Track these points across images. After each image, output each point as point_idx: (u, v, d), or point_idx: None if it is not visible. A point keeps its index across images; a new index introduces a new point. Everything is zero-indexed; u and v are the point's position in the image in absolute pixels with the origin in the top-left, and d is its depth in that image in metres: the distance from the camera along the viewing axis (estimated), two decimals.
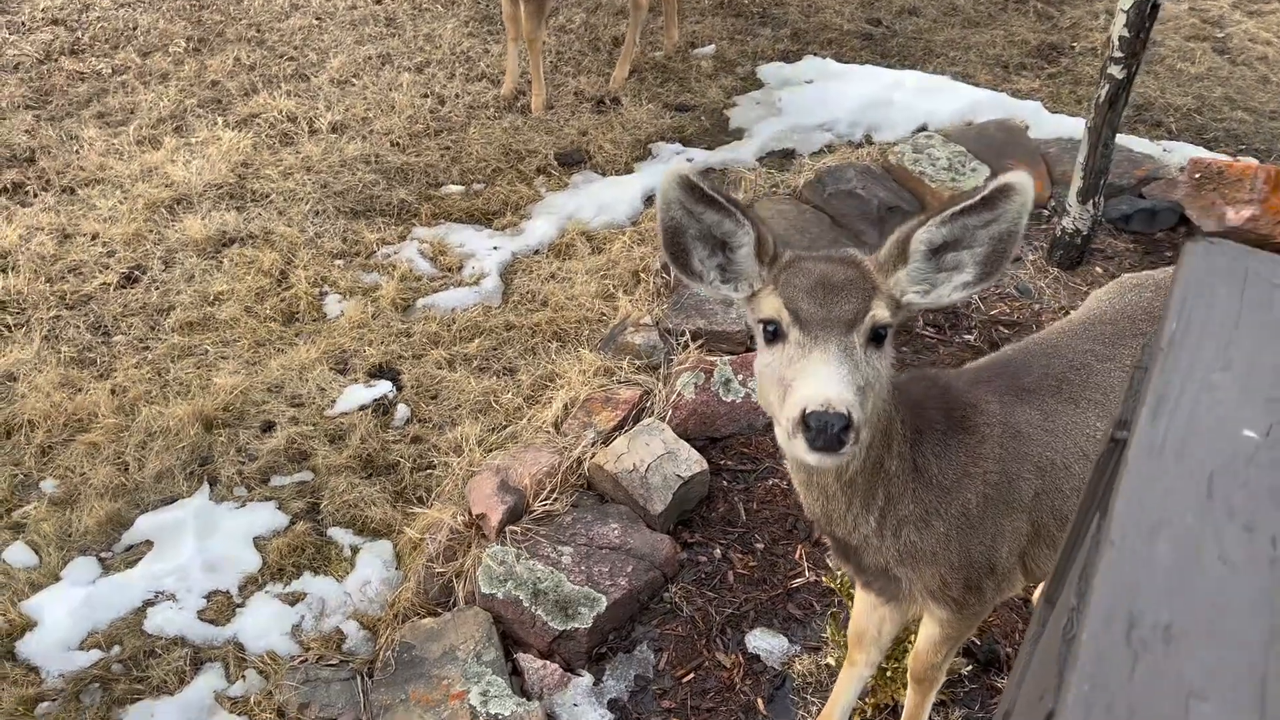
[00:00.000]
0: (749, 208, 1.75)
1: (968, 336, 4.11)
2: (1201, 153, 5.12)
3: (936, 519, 1.92)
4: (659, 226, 1.74)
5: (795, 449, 1.59)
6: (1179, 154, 5.11)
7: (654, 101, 5.69)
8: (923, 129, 5.32)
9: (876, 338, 1.68)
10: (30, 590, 2.97)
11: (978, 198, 1.62)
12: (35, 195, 4.60)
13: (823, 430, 1.51)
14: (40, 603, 2.93)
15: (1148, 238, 4.64)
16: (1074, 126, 5.02)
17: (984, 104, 5.45)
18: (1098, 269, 4.42)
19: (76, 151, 4.87)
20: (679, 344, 3.82)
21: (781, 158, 5.27)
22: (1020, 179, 1.62)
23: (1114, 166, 4.77)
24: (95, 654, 2.82)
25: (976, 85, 5.75)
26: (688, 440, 3.41)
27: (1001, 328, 4.13)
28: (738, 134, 5.47)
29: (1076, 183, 4.21)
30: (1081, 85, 5.84)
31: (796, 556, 3.20)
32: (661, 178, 1.71)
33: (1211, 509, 0.76)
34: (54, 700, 2.70)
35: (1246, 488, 0.78)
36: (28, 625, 2.88)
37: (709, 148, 5.34)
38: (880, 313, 1.66)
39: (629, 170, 5.14)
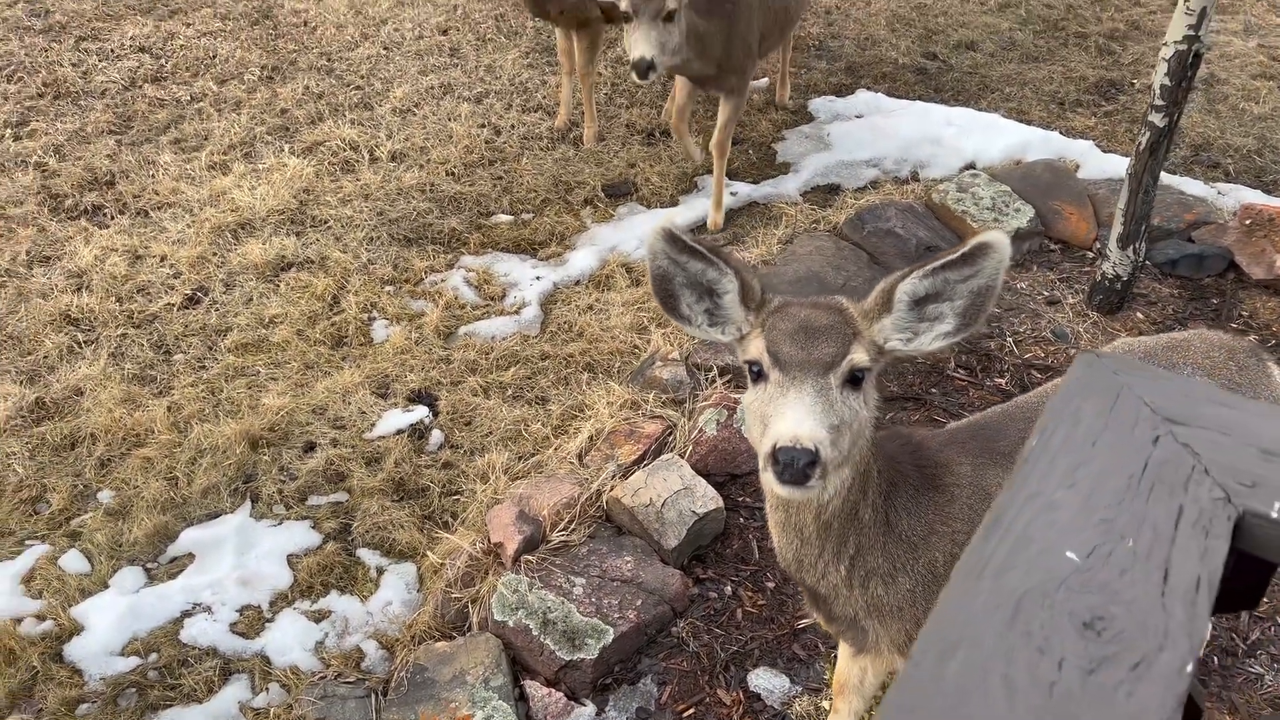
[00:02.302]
0: (731, 256, 1.87)
1: (999, 380, 4.10)
2: (1257, 196, 5.02)
3: (903, 575, 1.97)
4: (649, 274, 1.88)
5: (768, 481, 1.72)
6: (1233, 197, 5.01)
7: (703, 134, 5.78)
8: (970, 167, 5.32)
9: (854, 380, 1.77)
10: (80, 596, 3.20)
11: (957, 254, 1.70)
12: (112, 218, 4.90)
13: (790, 464, 1.63)
14: (88, 609, 3.14)
15: (1194, 283, 4.56)
16: (1125, 167, 4.96)
17: (1034, 143, 5.42)
18: (1139, 314, 4.37)
19: (152, 176, 5.17)
20: (706, 379, 3.91)
21: (826, 192, 5.31)
22: (997, 238, 1.68)
23: (1163, 209, 4.72)
24: (134, 660, 3.02)
25: (1029, 123, 5.71)
26: (707, 476, 3.49)
27: (1035, 372, 4.12)
28: (784, 168, 5.53)
29: (1117, 228, 4.18)
30: (1139, 123, 5.75)
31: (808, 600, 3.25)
32: (649, 230, 1.85)
33: (1011, 631, 0.83)
34: (93, 703, 2.90)
35: (1051, 610, 0.84)
36: (75, 630, 3.10)
37: (754, 181, 5.41)
38: (859, 357, 1.76)
39: (674, 203, 5.25)
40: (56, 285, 4.44)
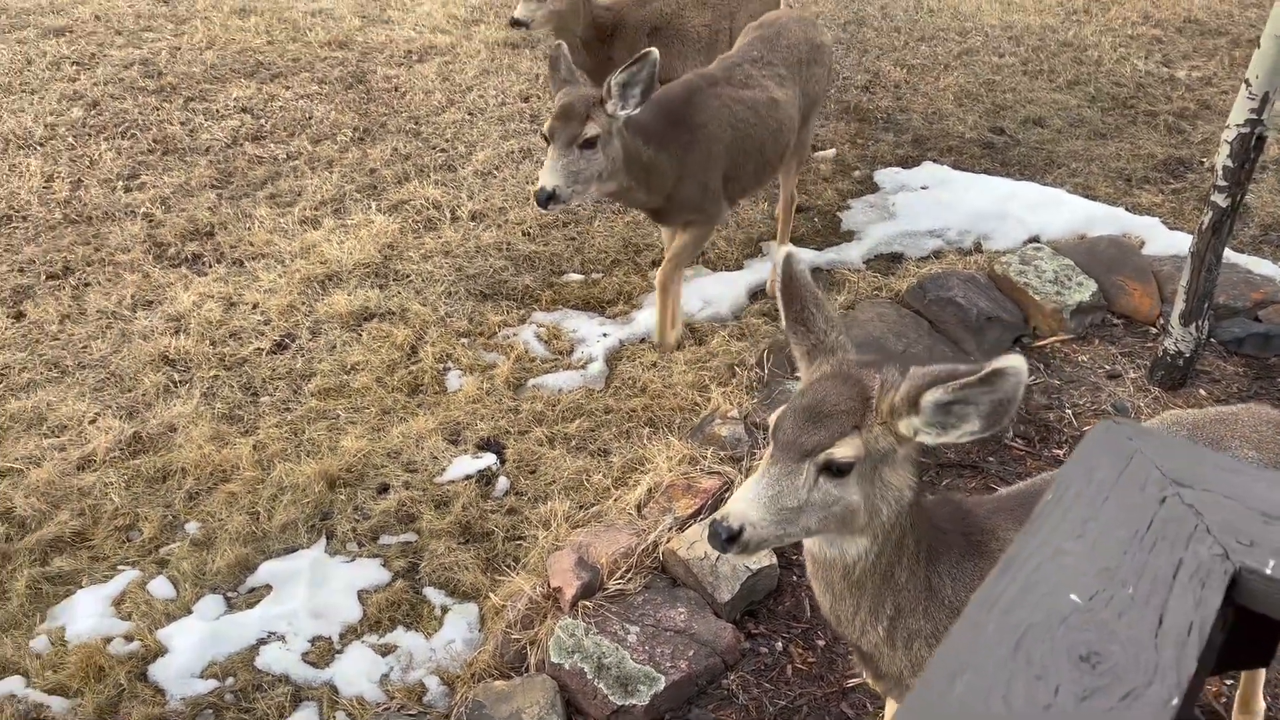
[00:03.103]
0: (824, 304, 2.07)
1: (1057, 451, 4.13)
2: None
3: None
4: (779, 283, 2.08)
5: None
6: None
7: (770, 201, 5.95)
8: (1034, 240, 5.39)
9: (836, 470, 1.88)
10: (166, 620, 3.40)
11: (976, 377, 1.79)
12: (210, 266, 5.23)
13: (715, 535, 1.90)
14: (172, 632, 3.34)
15: (1260, 362, 4.55)
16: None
17: (1099, 218, 5.48)
18: (1202, 391, 4.37)
19: (248, 228, 5.51)
20: (764, 438, 4.01)
21: (889, 261, 5.43)
22: (1014, 363, 1.76)
23: (1229, 287, 4.73)
24: (212, 683, 3.20)
25: (1095, 199, 5.77)
26: None
27: None
28: (848, 235, 5.66)
29: (1179, 304, 4.21)
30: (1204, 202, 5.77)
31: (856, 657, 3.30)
32: (779, 253, 2.11)
33: (1014, 659, 0.93)
34: None
35: (1051, 643, 0.95)
36: (160, 651, 3.29)
37: (819, 248, 5.55)
38: (840, 452, 1.87)
39: (739, 267, 5.41)
40: (156, 328, 4.75)
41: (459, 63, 7.55)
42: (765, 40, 4.63)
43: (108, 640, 3.32)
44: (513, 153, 6.36)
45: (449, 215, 5.73)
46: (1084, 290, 4.83)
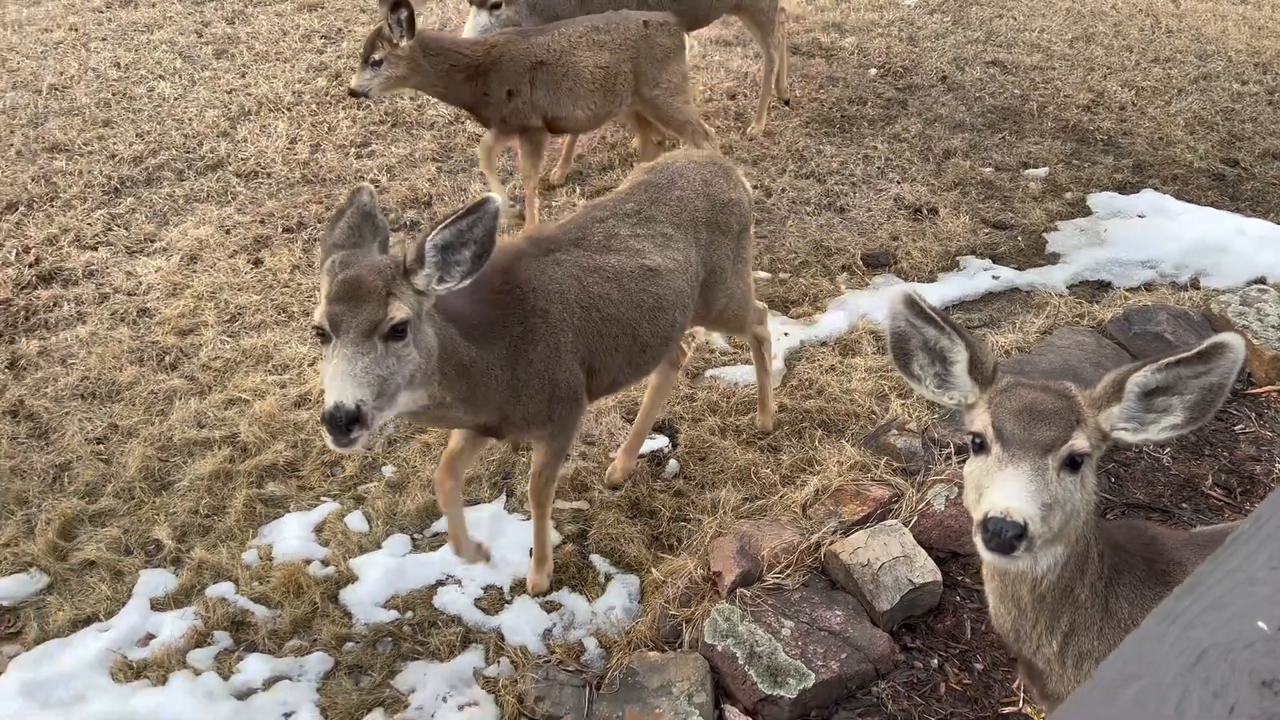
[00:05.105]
0: (965, 330, 2.03)
1: (1260, 505, 3.86)
2: None
3: None
4: (888, 331, 2.09)
5: (977, 545, 1.86)
6: None
7: (972, 215, 5.81)
8: (1259, 281, 5.03)
9: (1072, 464, 1.89)
10: (358, 551, 3.70)
11: (1193, 351, 1.79)
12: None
13: (997, 534, 1.78)
14: (363, 563, 3.64)
15: None
16: None
17: None
18: None
19: (461, 201, 5.87)
20: (940, 455, 3.96)
21: (1094, 288, 5.20)
22: (1233, 339, 1.75)
23: None
24: (394, 614, 3.47)
25: None
26: (929, 549, 3.54)
27: None
28: (1052, 258, 5.46)
29: None
30: None
31: (1015, 686, 3.22)
32: (891, 292, 2.08)
33: (1192, 674, 0.94)
34: (357, 643, 3.36)
35: (1232, 665, 0.95)
36: (351, 579, 3.60)
37: (1019, 268, 5.38)
38: (1079, 443, 1.87)
39: (932, 279, 5.31)
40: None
41: None
42: (650, 188, 3.49)
43: (307, 562, 3.66)
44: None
45: None
46: None
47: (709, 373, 4.65)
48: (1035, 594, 2.00)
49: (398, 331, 2.50)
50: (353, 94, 5.01)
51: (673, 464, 4.14)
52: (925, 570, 3.42)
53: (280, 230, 5.58)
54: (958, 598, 3.51)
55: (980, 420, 1.97)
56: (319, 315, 2.52)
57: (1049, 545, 1.93)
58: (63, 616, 3.42)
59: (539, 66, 5.08)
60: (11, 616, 3.47)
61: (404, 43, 4.83)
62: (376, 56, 4.86)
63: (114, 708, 3.09)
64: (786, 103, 6.90)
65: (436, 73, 4.98)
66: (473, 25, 5.37)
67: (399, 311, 2.49)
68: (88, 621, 3.43)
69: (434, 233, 2.55)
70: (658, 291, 3.30)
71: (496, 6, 5.32)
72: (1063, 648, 2.02)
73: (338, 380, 2.42)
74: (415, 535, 3.80)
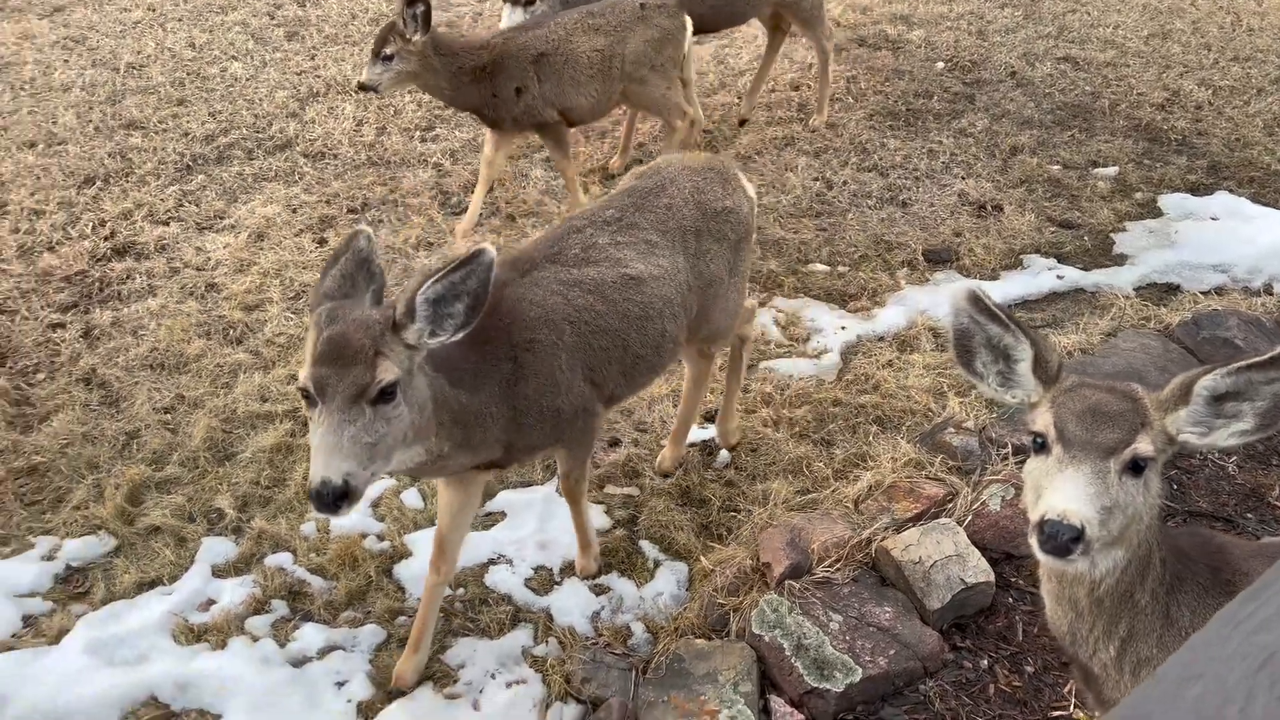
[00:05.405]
0: (1029, 328, 2.00)
1: None
2: None
3: None
4: (950, 327, 2.07)
5: (1032, 546, 1.84)
6: None
7: (1038, 213, 5.71)
8: None
9: (1135, 468, 1.85)
10: (413, 528, 3.77)
11: (1267, 356, 1.74)
12: (485, 218, 5.67)
13: (1053, 536, 1.76)
14: (417, 539, 3.70)
15: None
16: None
17: None
18: None
19: (523, 187, 5.92)
20: (998, 455, 3.90)
21: (1163, 291, 5.08)
22: None
23: None
24: (445, 590, 3.53)
25: None
26: (983, 550, 3.50)
27: None
28: (1120, 259, 5.34)
29: None
30: None
31: (1066, 690, 3.18)
32: (955, 288, 2.06)
33: (1257, 678, 0.93)
34: (409, 617, 3.42)
35: None
36: (405, 554, 3.66)
37: (1085, 268, 5.28)
38: (1143, 446, 1.84)
39: (994, 277, 5.23)
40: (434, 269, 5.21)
41: (735, 46, 7.69)
42: (636, 194, 3.36)
43: (363, 536, 3.73)
44: (775, 139, 6.44)
45: None
46: None
47: (763, 365, 4.63)
48: (1093, 597, 1.97)
49: (387, 394, 2.37)
50: (361, 88, 4.98)
51: (724, 454, 4.14)
52: (978, 570, 3.39)
53: (345, 211, 5.67)
54: (1010, 599, 3.47)
55: (1042, 420, 1.94)
56: (304, 377, 2.37)
57: (1108, 549, 1.90)
58: (128, 579, 3.53)
59: (541, 59, 5.07)
60: (80, 577, 3.59)
61: (417, 38, 4.83)
62: (388, 51, 4.85)
63: (175, 668, 3.19)
64: (743, 122, 6.72)
65: (446, 73, 4.97)
66: (508, 20, 5.39)
67: (387, 373, 2.36)
68: (152, 585, 3.54)
69: (425, 286, 2.40)
70: (643, 300, 3.17)
71: (530, 2, 5.28)
72: (1120, 653, 1.99)
73: (323, 454, 2.30)
74: None
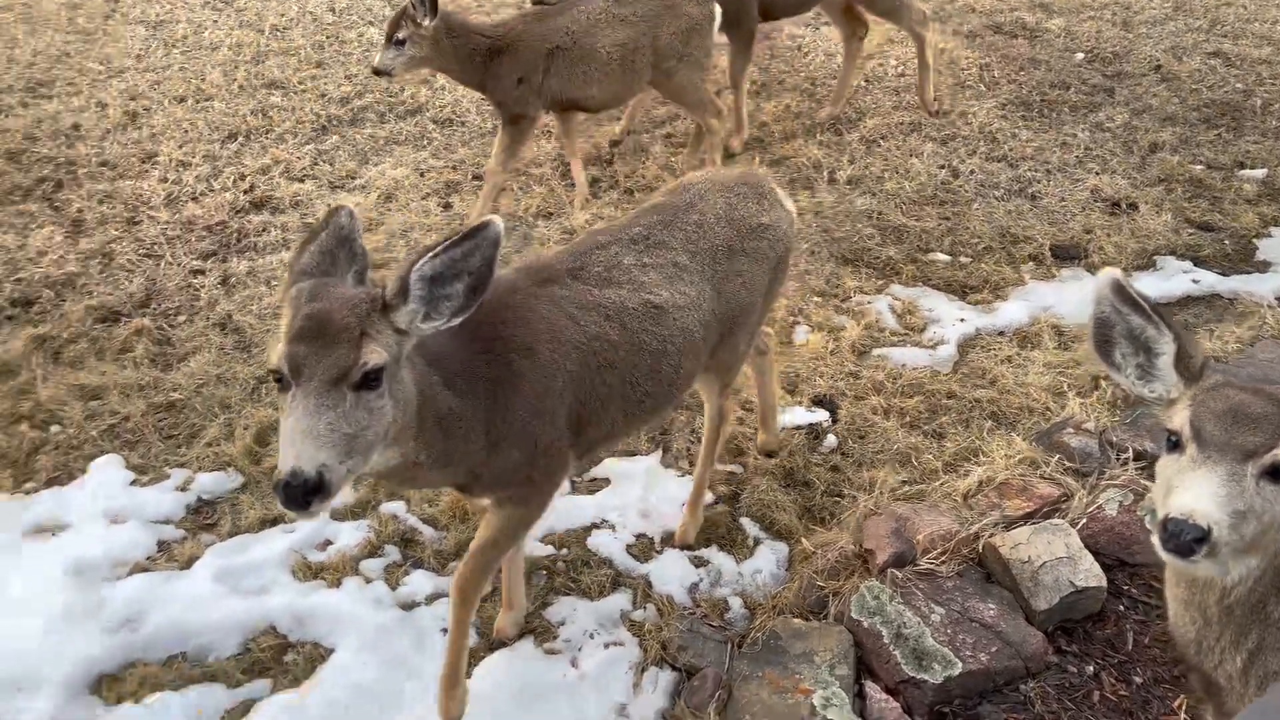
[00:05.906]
0: (1175, 321, 1.93)
1: None
2: None
3: None
4: (1091, 316, 2.02)
5: (1155, 544, 1.80)
6: None
7: (1175, 214, 5.47)
8: None
9: (1275, 474, 1.78)
10: None
11: None
12: (604, 191, 5.72)
13: (1175, 535, 1.71)
14: None
15: None
16: None
17: None
18: None
19: (643, 162, 5.96)
20: (1117, 459, 3.78)
21: None
22: None
23: None
24: (550, 549, 3.61)
25: None
26: (1096, 554, 3.40)
27: None
28: (1262, 266, 5.08)
29: None
30: None
31: (1176, 705, 3.07)
32: (1099, 276, 2.00)
33: None
34: None
35: None
36: None
37: (1223, 273, 5.04)
38: None
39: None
40: (552, 238, 5.30)
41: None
42: (665, 211, 3.10)
43: None
44: (901, 124, 6.31)
45: (826, 177, 5.82)
46: None
47: (876, 351, 4.58)
48: (1223, 605, 1.90)
49: (371, 380, 2.10)
50: (376, 73, 5.01)
51: (831, 439, 4.12)
52: (1090, 574, 3.29)
53: (470, 177, 5.81)
54: (1121, 607, 3.36)
55: (1179, 418, 1.88)
56: (276, 356, 2.09)
57: (1241, 555, 1.83)
58: (254, 515, 3.72)
59: (555, 52, 5.03)
60: (210, 509, 3.80)
61: (427, 22, 4.85)
62: (400, 36, 4.88)
63: (294, 601, 3.36)
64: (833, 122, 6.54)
65: (457, 55, 4.99)
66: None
67: (373, 356, 2.09)
68: (274, 522, 3.72)
69: (421, 261, 2.14)
70: (663, 333, 2.87)
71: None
72: (1247, 666, 1.92)
73: (296, 440, 2.00)
74: (574, 478, 3.93)
